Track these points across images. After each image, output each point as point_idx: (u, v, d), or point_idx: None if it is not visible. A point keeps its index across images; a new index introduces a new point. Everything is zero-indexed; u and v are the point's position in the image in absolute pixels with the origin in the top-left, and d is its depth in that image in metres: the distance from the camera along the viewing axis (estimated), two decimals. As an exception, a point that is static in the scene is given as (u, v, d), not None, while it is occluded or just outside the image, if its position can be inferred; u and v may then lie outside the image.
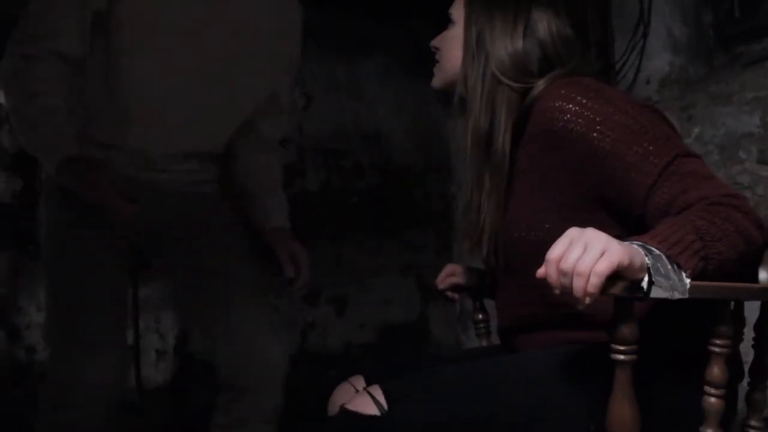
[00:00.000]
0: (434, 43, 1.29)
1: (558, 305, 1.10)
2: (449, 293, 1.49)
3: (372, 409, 1.07)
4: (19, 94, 1.41)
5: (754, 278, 1.05)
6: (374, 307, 2.67)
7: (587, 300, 0.88)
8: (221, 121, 1.59)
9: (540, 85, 1.16)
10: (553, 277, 0.89)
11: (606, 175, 1.07)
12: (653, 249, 0.92)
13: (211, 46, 1.45)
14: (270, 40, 1.53)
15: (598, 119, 1.07)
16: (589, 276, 0.86)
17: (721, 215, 0.97)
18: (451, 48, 1.24)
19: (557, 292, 0.90)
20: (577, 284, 0.87)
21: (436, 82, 1.29)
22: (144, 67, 1.43)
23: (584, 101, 1.08)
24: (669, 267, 0.91)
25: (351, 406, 1.09)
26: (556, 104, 1.10)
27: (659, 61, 2.11)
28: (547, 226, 1.12)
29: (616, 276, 0.89)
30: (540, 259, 0.92)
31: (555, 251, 0.89)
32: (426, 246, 2.80)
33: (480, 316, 1.49)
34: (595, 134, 1.06)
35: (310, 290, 2.41)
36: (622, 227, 1.08)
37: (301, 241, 1.58)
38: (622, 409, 0.94)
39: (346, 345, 2.58)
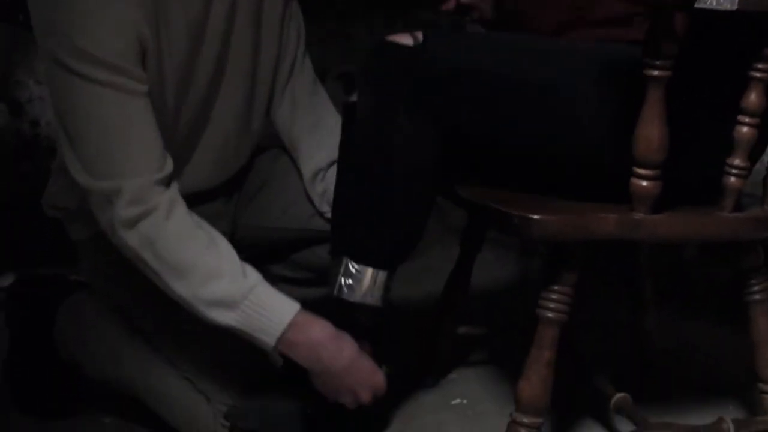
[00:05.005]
0: None
1: None
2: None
3: (407, 40, 1.04)
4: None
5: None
6: (383, 86, 2.61)
7: None
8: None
9: None
10: None
11: None
12: None
13: None
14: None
15: None
16: None
17: None
18: None
19: None
20: None
21: None
22: None
23: None
24: None
25: (389, 38, 1.06)
26: None
27: None
28: None
29: None
30: None
31: None
32: (437, 26, 2.67)
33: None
34: None
35: (317, 67, 2.33)
36: None
37: (308, 19, 1.47)
38: (651, 128, 0.90)
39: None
